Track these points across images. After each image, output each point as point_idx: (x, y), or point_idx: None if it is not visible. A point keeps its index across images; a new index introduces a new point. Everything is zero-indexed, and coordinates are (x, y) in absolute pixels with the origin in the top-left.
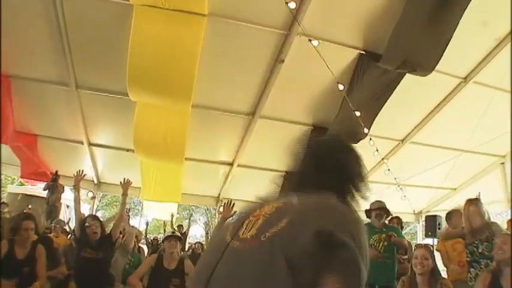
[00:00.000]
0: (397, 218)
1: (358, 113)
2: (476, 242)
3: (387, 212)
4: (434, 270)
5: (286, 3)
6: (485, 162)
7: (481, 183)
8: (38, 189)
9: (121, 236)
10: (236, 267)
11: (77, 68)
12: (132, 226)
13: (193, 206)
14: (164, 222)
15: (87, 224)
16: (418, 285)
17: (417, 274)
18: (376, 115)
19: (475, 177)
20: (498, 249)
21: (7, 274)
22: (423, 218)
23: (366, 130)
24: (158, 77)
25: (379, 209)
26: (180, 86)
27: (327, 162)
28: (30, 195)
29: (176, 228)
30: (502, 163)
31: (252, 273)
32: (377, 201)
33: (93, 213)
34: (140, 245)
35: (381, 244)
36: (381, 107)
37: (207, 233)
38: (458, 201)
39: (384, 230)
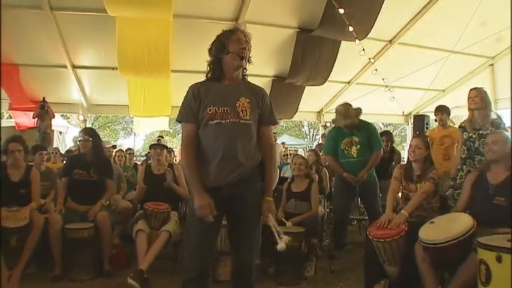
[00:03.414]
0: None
1: (341, 11)
2: (474, 137)
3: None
4: (427, 158)
5: None
6: (474, 63)
7: (469, 85)
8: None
9: None
10: None
11: None
12: None
13: None
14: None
15: (79, 138)
16: (413, 170)
17: (412, 161)
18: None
19: (464, 78)
20: (488, 149)
21: (5, 198)
22: (412, 120)
23: (350, 28)
24: None
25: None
26: None
27: None
28: None
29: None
30: (491, 64)
31: None
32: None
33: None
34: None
35: (352, 148)
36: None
37: None
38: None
39: (354, 131)
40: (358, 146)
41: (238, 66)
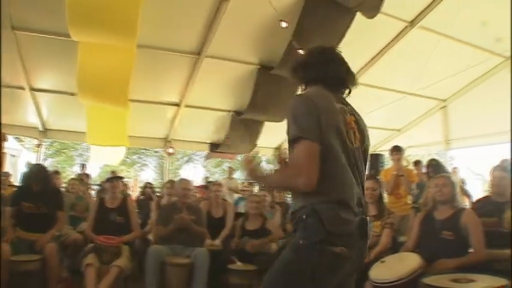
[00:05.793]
0: None
1: (302, 52)
2: None
3: None
4: (380, 197)
5: None
6: (428, 105)
7: (423, 125)
8: None
9: None
10: None
11: (12, 7)
12: None
13: (143, 149)
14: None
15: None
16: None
17: (368, 203)
18: None
19: (418, 119)
20: (438, 191)
21: None
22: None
23: None
24: (101, 11)
25: None
26: (124, 21)
27: None
28: None
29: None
30: (443, 107)
31: None
32: None
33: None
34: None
35: None
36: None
37: None
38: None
39: None
40: None
41: None
